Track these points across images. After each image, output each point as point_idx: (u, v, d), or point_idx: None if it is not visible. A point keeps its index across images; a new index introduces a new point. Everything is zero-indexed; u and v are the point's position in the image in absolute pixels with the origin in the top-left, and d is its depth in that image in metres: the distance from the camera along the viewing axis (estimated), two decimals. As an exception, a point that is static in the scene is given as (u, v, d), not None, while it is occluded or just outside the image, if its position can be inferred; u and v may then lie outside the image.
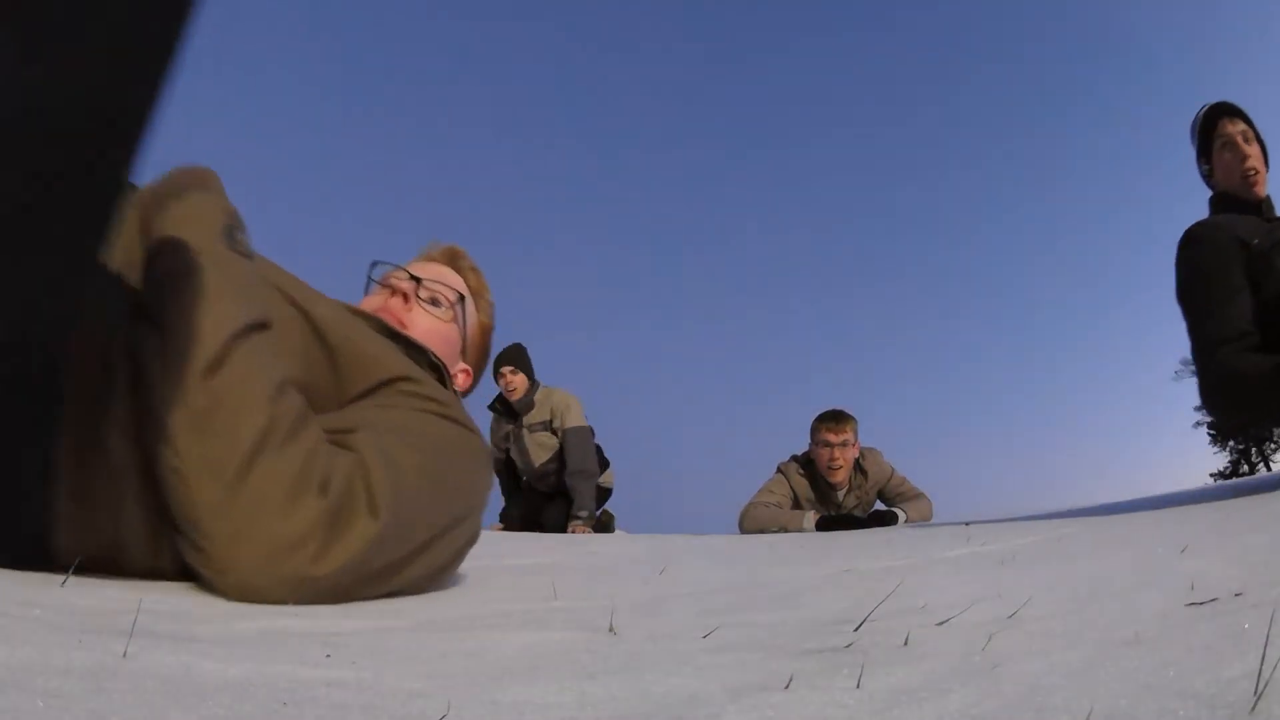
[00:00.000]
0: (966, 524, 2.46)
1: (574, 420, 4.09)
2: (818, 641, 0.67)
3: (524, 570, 1.55)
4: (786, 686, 0.52)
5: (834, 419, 3.53)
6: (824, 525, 3.32)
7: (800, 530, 3.32)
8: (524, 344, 4.26)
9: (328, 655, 0.61)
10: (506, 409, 4.21)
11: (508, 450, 4.26)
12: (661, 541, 2.55)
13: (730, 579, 1.32)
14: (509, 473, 4.37)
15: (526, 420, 4.16)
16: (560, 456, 4.08)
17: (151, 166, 0.80)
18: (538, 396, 4.17)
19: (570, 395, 4.16)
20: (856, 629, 0.70)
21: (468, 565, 1.37)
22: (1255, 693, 0.44)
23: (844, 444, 3.46)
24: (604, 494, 4.21)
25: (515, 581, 1.37)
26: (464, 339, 1.45)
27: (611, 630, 0.74)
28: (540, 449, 4.13)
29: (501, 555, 1.91)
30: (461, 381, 1.46)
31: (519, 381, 4.17)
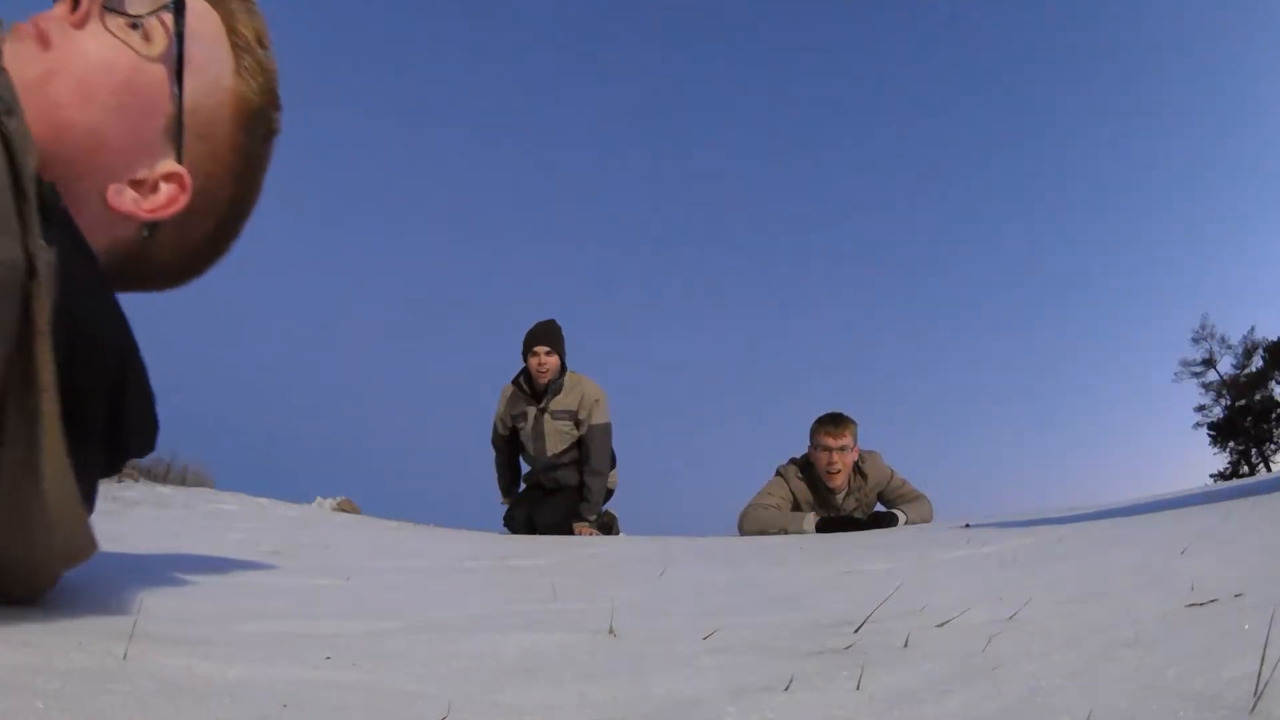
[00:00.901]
0: (966, 525, 2.45)
1: (602, 417, 3.86)
2: (818, 643, 0.67)
3: (524, 572, 1.55)
4: (787, 688, 0.52)
5: (833, 422, 3.52)
6: (824, 527, 3.33)
7: (800, 532, 3.32)
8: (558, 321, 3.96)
9: (328, 657, 0.61)
10: (530, 389, 3.88)
11: (514, 430, 3.98)
12: (661, 543, 2.55)
13: (730, 581, 1.32)
14: (509, 457, 4.10)
15: (551, 405, 3.86)
16: (576, 449, 3.90)
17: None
18: (566, 381, 3.86)
19: (600, 388, 3.92)
20: (857, 630, 0.70)
21: (468, 567, 1.37)
22: (1255, 693, 0.44)
23: (843, 448, 3.46)
24: (607, 494, 4.14)
25: (515, 583, 1.37)
26: (179, 107, 0.79)
27: (612, 632, 0.73)
28: (559, 437, 3.89)
29: (502, 556, 1.91)
30: (164, 197, 0.79)
31: (553, 364, 3.83)
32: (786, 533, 3.32)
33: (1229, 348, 29.73)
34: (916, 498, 3.59)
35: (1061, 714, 0.45)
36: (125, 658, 0.54)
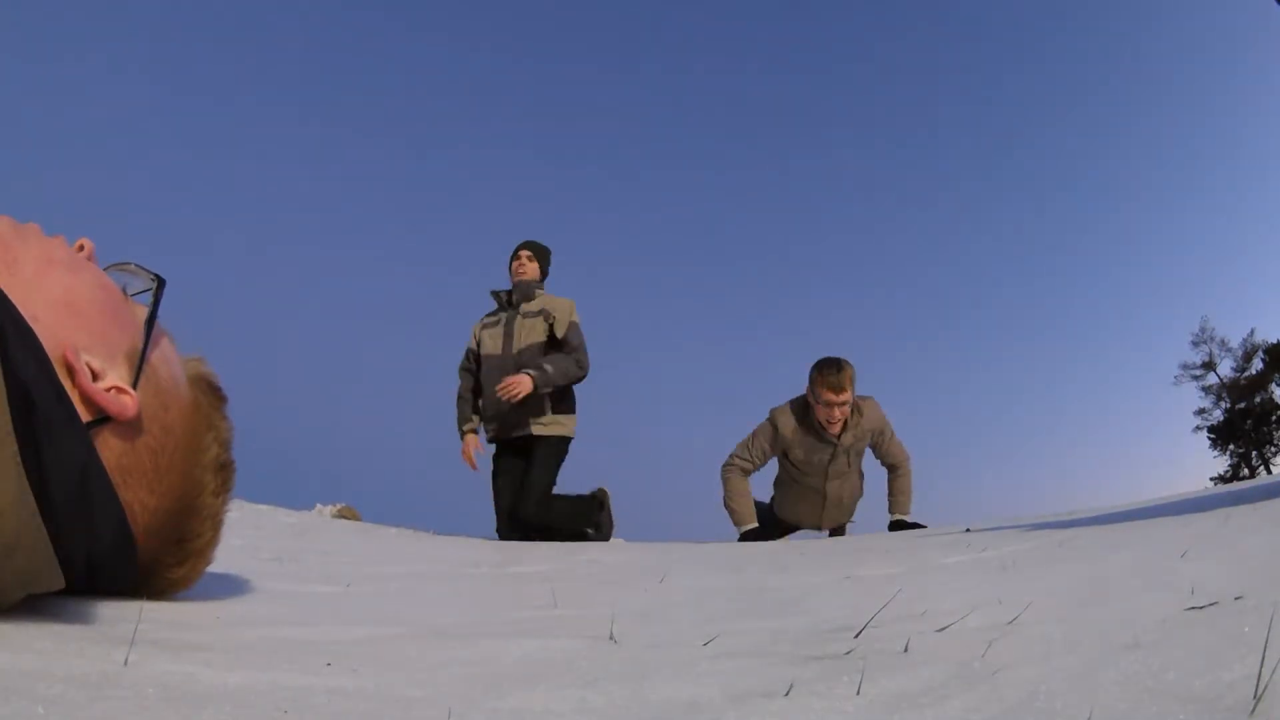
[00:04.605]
0: (967, 530, 2.46)
1: (574, 316, 4.04)
2: (818, 648, 0.67)
3: (524, 578, 1.55)
4: (787, 693, 0.52)
5: (835, 371, 3.50)
6: (745, 537, 3.52)
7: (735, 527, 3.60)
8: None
9: (328, 663, 0.61)
10: (506, 296, 4.11)
11: (478, 346, 4.12)
12: (661, 549, 2.55)
13: (730, 587, 1.32)
14: (475, 380, 4.14)
15: (522, 308, 4.06)
16: (542, 353, 3.98)
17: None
18: (539, 294, 4.09)
19: (570, 300, 4.15)
20: (857, 636, 0.70)
21: (469, 573, 1.36)
22: (1255, 695, 0.44)
23: (844, 403, 3.53)
24: (565, 402, 4.07)
25: (516, 589, 1.37)
26: (145, 342, 0.83)
27: (612, 638, 0.73)
28: (528, 332, 4.02)
29: (502, 563, 1.91)
30: (111, 396, 0.76)
31: (532, 268, 4.11)
32: (731, 513, 3.61)
33: (1229, 351, 29.75)
34: (902, 462, 3.77)
35: (1061, 718, 0.45)
36: (126, 663, 0.54)
